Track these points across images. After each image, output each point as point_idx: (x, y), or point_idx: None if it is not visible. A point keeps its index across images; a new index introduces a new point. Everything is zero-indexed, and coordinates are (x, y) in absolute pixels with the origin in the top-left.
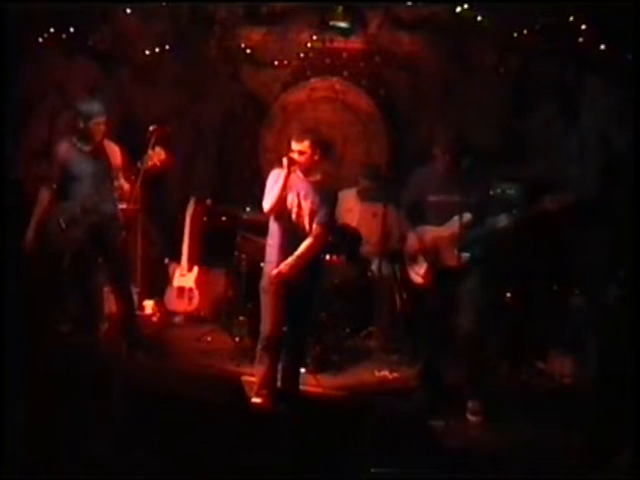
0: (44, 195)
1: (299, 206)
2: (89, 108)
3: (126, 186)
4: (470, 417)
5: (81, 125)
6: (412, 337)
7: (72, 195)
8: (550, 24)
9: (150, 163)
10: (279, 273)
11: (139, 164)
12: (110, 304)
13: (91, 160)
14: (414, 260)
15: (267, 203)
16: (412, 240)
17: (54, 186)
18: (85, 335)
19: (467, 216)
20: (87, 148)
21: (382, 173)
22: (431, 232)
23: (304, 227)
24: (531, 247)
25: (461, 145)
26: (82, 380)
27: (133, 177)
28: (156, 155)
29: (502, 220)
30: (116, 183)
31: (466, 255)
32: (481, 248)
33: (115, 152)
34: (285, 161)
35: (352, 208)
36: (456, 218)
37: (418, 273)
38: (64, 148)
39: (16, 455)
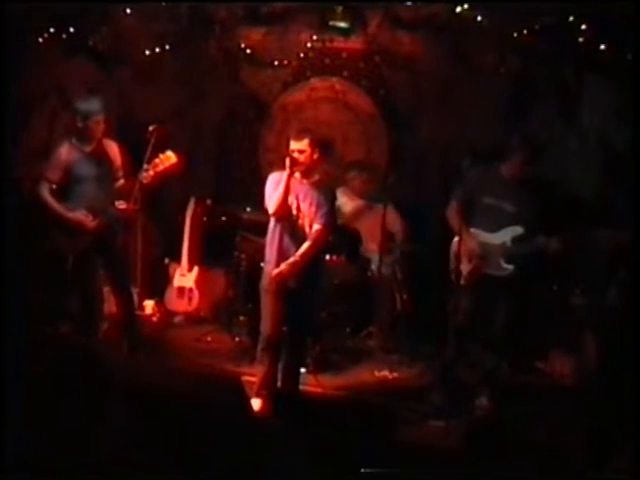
0: (46, 193)
1: (298, 208)
2: (87, 106)
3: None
4: (480, 413)
5: (80, 124)
6: (412, 337)
7: (75, 196)
8: (550, 24)
9: (161, 167)
10: (280, 273)
11: (149, 168)
12: (110, 304)
13: (93, 161)
14: (457, 259)
15: (271, 205)
16: (460, 239)
17: (54, 187)
18: (85, 335)
19: (519, 230)
20: (88, 148)
21: (364, 167)
22: (481, 236)
23: (304, 228)
24: None
25: (538, 155)
26: (82, 380)
27: (139, 176)
28: (166, 158)
29: (554, 244)
30: (120, 182)
31: (510, 267)
32: (525, 264)
33: (115, 151)
34: (287, 161)
35: (351, 207)
36: (509, 229)
37: (456, 271)
38: (65, 150)
39: (16, 456)
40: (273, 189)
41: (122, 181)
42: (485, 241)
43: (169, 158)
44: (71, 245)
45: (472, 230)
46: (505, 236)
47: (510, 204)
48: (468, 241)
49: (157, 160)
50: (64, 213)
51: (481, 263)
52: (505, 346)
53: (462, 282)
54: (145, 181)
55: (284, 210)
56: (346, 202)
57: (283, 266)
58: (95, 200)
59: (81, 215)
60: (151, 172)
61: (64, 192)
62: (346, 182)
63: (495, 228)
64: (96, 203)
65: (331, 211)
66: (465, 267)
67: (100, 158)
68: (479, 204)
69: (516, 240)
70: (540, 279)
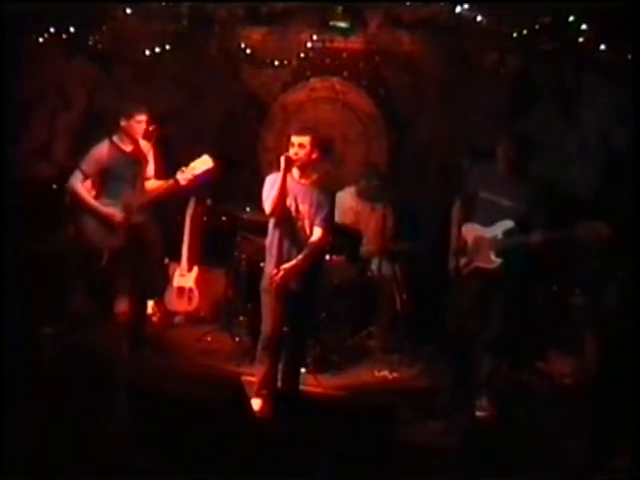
0: (79, 185)
1: (297, 210)
2: (131, 105)
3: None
4: (480, 413)
5: (123, 123)
6: (412, 337)
7: (110, 194)
8: (550, 24)
9: (198, 171)
10: (281, 277)
11: (186, 171)
12: (120, 303)
13: (132, 160)
14: (455, 254)
15: (267, 206)
16: (458, 235)
17: (89, 184)
18: (88, 335)
19: (508, 223)
20: (128, 148)
21: (383, 173)
22: (476, 231)
23: (304, 230)
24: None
25: (526, 148)
26: (82, 380)
27: (177, 177)
28: (203, 163)
29: (536, 236)
30: (150, 182)
31: (498, 260)
32: (514, 257)
33: (150, 152)
34: (282, 161)
35: (351, 207)
36: (501, 223)
37: (452, 266)
38: (106, 147)
39: (16, 456)
40: (269, 190)
41: (153, 181)
42: (479, 235)
43: (206, 162)
44: (107, 241)
45: (469, 225)
46: (497, 230)
47: (505, 198)
48: (465, 237)
49: (194, 164)
50: (97, 207)
51: (474, 257)
52: (502, 345)
53: (456, 277)
54: (183, 183)
55: (281, 211)
56: (348, 202)
57: (282, 270)
58: (136, 199)
59: (113, 210)
60: (189, 175)
61: (99, 189)
62: (357, 184)
63: (491, 222)
64: (132, 202)
65: (331, 213)
66: (460, 262)
67: (138, 158)
68: (478, 199)
69: (506, 233)
70: (538, 277)
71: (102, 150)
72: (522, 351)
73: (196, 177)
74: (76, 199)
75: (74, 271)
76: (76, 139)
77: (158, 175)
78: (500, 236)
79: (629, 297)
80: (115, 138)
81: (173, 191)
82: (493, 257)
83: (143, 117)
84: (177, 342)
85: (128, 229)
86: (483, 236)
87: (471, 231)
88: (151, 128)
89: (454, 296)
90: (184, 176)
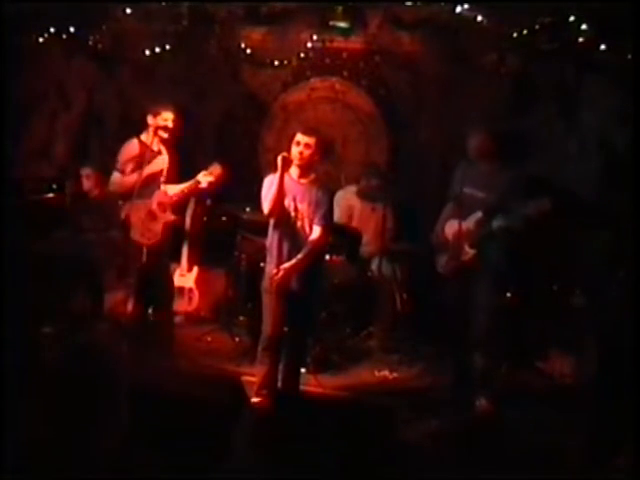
0: (119, 176)
1: (296, 210)
2: (159, 104)
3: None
4: (480, 413)
5: (150, 121)
6: (412, 337)
7: (139, 194)
8: (550, 24)
9: (212, 179)
10: (281, 276)
11: (205, 173)
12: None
13: (158, 159)
14: (439, 250)
15: (266, 206)
16: (438, 231)
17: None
18: (88, 335)
19: (478, 214)
20: (155, 147)
21: (383, 172)
22: (455, 225)
23: (304, 230)
24: (531, 247)
25: (501, 140)
26: (82, 380)
27: (201, 180)
28: (214, 169)
29: (497, 221)
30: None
31: (471, 252)
32: (486, 247)
33: (167, 156)
34: (279, 160)
35: (352, 206)
36: (473, 215)
37: (440, 263)
38: (135, 145)
39: (16, 456)
40: (267, 190)
41: (164, 186)
42: (458, 229)
43: (216, 168)
44: (148, 237)
45: (450, 222)
46: (469, 222)
47: (482, 191)
48: (447, 234)
49: (211, 169)
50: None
51: (455, 252)
52: (493, 342)
53: (445, 274)
54: (205, 185)
55: (280, 211)
56: (348, 202)
57: (282, 270)
58: (163, 198)
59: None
60: (210, 178)
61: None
62: (357, 183)
63: (467, 215)
64: (164, 200)
65: (329, 212)
66: (442, 258)
67: (158, 158)
68: (462, 195)
69: (477, 224)
70: (538, 278)
71: (133, 147)
72: (522, 351)
73: (213, 183)
74: (122, 189)
75: (110, 269)
76: (76, 139)
77: (173, 177)
78: (472, 227)
79: (629, 297)
80: (142, 136)
81: (195, 193)
82: (467, 249)
83: (170, 115)
84: (177, 342)
85: (164, 227)
86: (460, 230)
87: (451, 227)
88: (173, 129)
89: (445, 294)
90: (206, 179)
